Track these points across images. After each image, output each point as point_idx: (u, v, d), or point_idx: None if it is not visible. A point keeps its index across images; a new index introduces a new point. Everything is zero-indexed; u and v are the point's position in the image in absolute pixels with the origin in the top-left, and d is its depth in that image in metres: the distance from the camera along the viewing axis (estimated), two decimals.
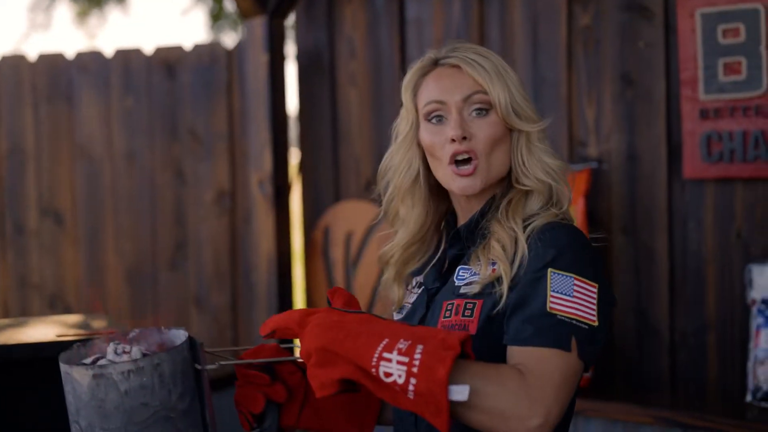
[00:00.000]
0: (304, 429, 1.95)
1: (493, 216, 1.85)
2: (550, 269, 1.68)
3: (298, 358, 1.86)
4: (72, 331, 2.12)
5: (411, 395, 1.52)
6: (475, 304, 1.77)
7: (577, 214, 3.11)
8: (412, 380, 1.51)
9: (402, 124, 1.92)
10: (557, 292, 1.67)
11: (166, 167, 4.00)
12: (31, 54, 4.10)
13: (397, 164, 1.93)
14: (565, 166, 1.86)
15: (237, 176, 3.97)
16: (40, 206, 4.06)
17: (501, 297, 1.72)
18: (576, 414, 3.09)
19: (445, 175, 1.85)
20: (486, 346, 1.73)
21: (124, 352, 1.77)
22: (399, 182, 1.94)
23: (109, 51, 4.05)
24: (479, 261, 1.82)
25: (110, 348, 1.78)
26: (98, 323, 2.29)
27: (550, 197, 1.84)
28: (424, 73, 1.89)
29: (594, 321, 1.66)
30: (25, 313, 4.03)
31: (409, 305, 1.96)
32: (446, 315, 1.80)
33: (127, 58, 4.03)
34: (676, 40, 3.00)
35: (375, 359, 1.52)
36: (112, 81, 4.03)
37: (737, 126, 2.90)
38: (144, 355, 1.78)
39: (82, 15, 11.20)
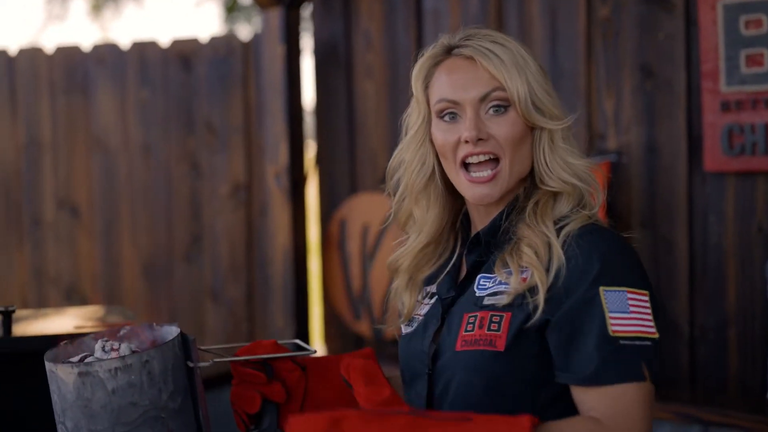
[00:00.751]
0: None
1: (518, 219, 1.71)
2: (601, 288, 1.56)
3: (297, 354, 1.79)
4: (90, 323, 2.11)
5: None
6: (502, 316, 1.63)
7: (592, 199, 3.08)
8: None
9: (413, 117, 1.78)
10: (615, 311, 1.55)
11: (182, 160, 4.00)
12: (48, 46, 4.10)
13: (409, 161, 1.78)
14: (591, 166, 1.73)
15: (253, 169, 3.96)
16: (56, 199, 4.06)
17: (536, 308, 1.60)
18: None
19: (458, 181, 1.72)
20: (514, 363, 1.63)
21: (113, 349, 1.70)
22: (412, 182, 1.79)
23: (125, 44, 4.04)
24: (505, 268, 1.68)
25: (98, 345, 1.71)
26: (115, 315, 2.28)
27: (579, 199, 1.70)
28: (437, 62, 1.75)
29: (654, 333, 1.57)
30: (42, 304, 4.04)
31: (420, 317, 1.81)
32: (468, 329, 1.66)
33: (143, 50, 4.02)
34: (697, 31, 2.96)
35: None
36: (129, 73, 4.02)
37: (759, 118, 2.87)
38: (133, 352, 1.70)
39: (98, 8, 11.22)
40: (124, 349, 1.71)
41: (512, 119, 1.67)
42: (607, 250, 1.59)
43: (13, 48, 4.10)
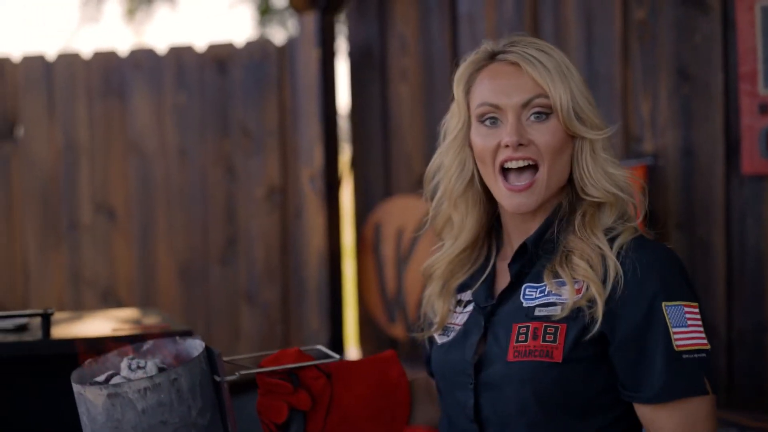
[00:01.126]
0: None
1: (566, 229, 1.71)
2: (663, 303, 1.59)
3: (322, 362, 1.78)
4: (126, 326, 2.13)
5: None
6: (557, 328, 1.64)
7: (631, 210, 3.06)
8: None
9: (452, 121, 1.78)
10: (677, 326, 1.59)
11: (218, 163, 4.02)
12: (85, 51, 4.13)
13: (448, 166, 1.78)
14: (630, 177, 1.74)
15: (288, 172, 3.97)
16: (93, 202, 4.10)
17: (593, 321, 1.61)
18: None
19: (496, 188, 1.72)
20: (570, 374, 1.64)
21: (139, 367, 1.69)
22: (451, 186, 1.79)
23: (161, 48, 4.07)
24: (556, 278, 1.68)
25: (124, 363, 1.71)
26: (150, 318, 2.30)
27: (622, 211, 1.71)
28: (479, 68, 1.74)
29: (707, 344, 1.61)
30: (78, 307, 4.07)
31: (458, 326, 1.80)
32: (520, 339, 1.66)
33: (180, 55, 4.05)
34: (734, 33, 2.94)
35: None
36: (165, 78, 4.05)
37: None
38: (160, 369, 1.70)
39: (132, 12, 11.31)
40: (151, 366, 1.70)
41: (553, 127, 1.67)
42: (664, 265, 1.62)
43: (50, 53, 4.14)
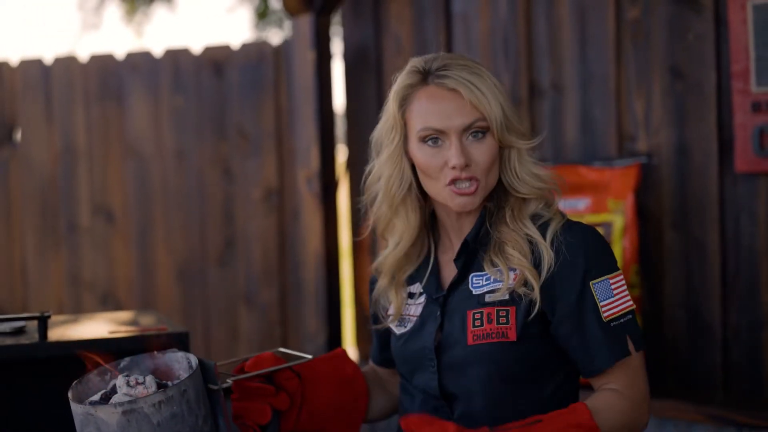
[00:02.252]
0: (301, 431, 1.98)
1: (497, 222, 1.92)
2: (591, 282, 1.82)
3: (297, 363, 1.94)
4: (124, 328, 2.14)
5: None
6: (508, 310, 1.85)
7: (626, 209, 3.08)
8: None
9: (389, 135, 1.94)
10: (604, 299, 1.83)
11: (215, 165, 4.03)
12: (83, 55, 4.15)
13: (388, 176, 1.95)
14: (551, 175, 1.95)
15: (285, 174, 3.99)
16: (92, 205, 4.11)
17: (533, 302, 1.83)
18: None
19: (442, 193, 1.89)
20: (525, 350, 1.85)
21: (138, 383, 1.72)
22: (392, 194, 1.95)
23: (158, 51, 4.09)
24: (494, 267, 1.89)
25: (120, 381, 1.73)
26: (148, 320, 2.31)
27: (546, 199, 1.93)
28: (414, 88, 1.89)
29: (632, 304, 1.84)
30: (77, 309, 4.08)
31: (414, 317, 1.98)
32: (476, 324, 1.86)
33: (176, 57, 4.06)
34: (727, 31, 2.95)
35: None
36: (162, 80, 4.07)
37: None
38: (158, 383, 1.73)
39: (130, 13, 11.32)
40: (150, 380, 1.73)
41: (489, 144, 1.87)
42: (588, 244, 1.85)
43: (48, 57, 4.16)
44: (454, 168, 1.84)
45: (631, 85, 3.19)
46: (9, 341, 2.02)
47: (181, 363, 1.81)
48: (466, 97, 1.83)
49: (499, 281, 1.86)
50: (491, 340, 1.84)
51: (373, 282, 2.14)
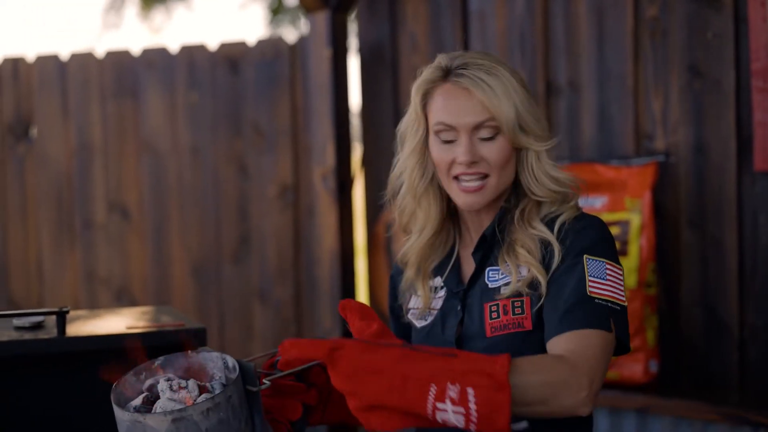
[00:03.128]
0: (325, 423, 2.02)
1: (510, 222, 1.95)
2: (585, 255, 1.82)
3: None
4: (141, 324, 2.14)
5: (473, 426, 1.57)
6: (522, 301, 1.88)
7: (644, 207, 3.07)
8: (473, 426, 1.55)
9: (411, 128, 2.00)
10: (594, 276, 1.81)
11: (230, 162, 4.04)
12: (99, 51, 4.16)
13: (411, 169, 2.00)
14: (571, 179, 1.95)
15: (300, 171, 3.99)
16: (107, 201, 4.12)
17: (541, 297, 1.84)
18: (643, 410, 3.06)
19: (450, 190, 1.95)
20: (541, 338, 1.85)
21: (180, 387, 1.73)
22: (414, 186, 2.01)
23: (174, 47, 4.09)
24: (507, 264, 1.92)
25: (163, 385, 1.74)
26: (165, 316, 2.31)
27: (563, 200, 1.94)
28: (435, 84, 1.94)
29: (624, 302, 1.82)
30: (93, 305, 4.09)
31: (435, 311, 2.02)
32: (493, 317, 1.90)
33: (192, 54, 4.06)
34: (746, 29, 2.94)
35: (430, 409, 1.54)
36: (177, 77, 4.07)
37: None
38: (200, 386, 1.75)
39: (147, 10, 11.34)
40: (192, 385, 1.74)
41: (501, 144, 1.89)
42: (593, 230, 1.87)
43: (64, 53, 4.16)
44: (461, 164, 1.89)
45: (649, 84, 3.18)
46: (28, 336, 2.03)
47: (215, 362, 1.82)
48: (477, 96, 1.88)
49: (509, 276, 1.91)
50: (508, 331, 1.88)
51: (393, 276, 2.17)
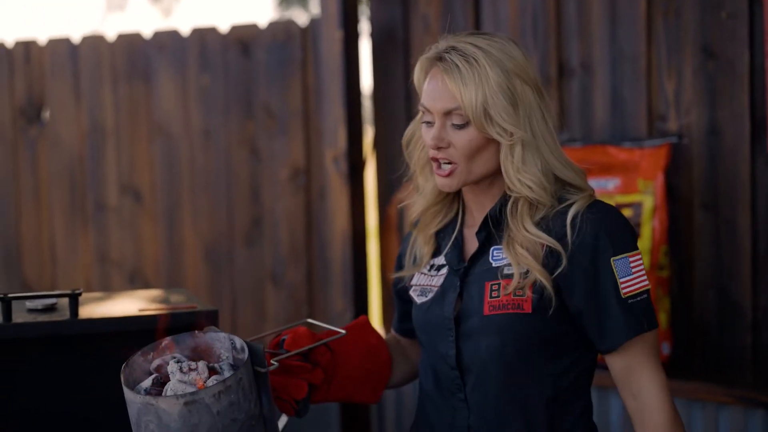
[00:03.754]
0: (330, 400, 2.07)
1: (508, 215, 1.94)
2: (612, 258, 1.85)
3: (333, 338, 2.01)
4: (154, 306, 2.15)
5: None
6: (525, 283, 1.88)
7: (656, 189, 3.06)
8: None
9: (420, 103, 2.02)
10: (623, 276, 1.86)
11: (242, 145, 4.04)
12: (110, 34, 4.16)
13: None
14: (543, 180, 1.90)
15: (312, 153, 3.98)
16: (119, 184, 4.13)
17: (550, 299, 1.86)
18: None
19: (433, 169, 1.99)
20: (541, 322, 1.88)
21: (191, 369, 1.75)
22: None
23: (185, 30, 4.09)
24: (510, 252, 1.92)
25: (173, 367, 1.76)
26: (177, 298, 2.32)
27: (574, 184, 1.93)
28: (430, 61, 1.95)
29: (648, 284, 1.88)
30: (105, 288, 4.11)
31: (435, 288, 2.02)
32: (492, 295, 1.91)
33: (203, 36, 4.06)
34: (762, 9, 2.92)
35: None
36: (189, 60, 4.07)
37: None
38: (210, 368, 1.77)
39: None
40: (202, 367, 1.76)
41: (470, 134, 1.89)
42: (610, 222, 1.87)
43: (75, 36, 4.17)
44: (429, 147, 1.93)
45: (661, 65, 3.16)
46: (41, 318, 2.04)
47: (222, 343, 1.84)
48: (447, 83, 1.89)
49: (523, 274, 1.91)
50: (506, 311, 1.89)
51: (400, 256, 2.22)
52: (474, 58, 1.88)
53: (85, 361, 2.05)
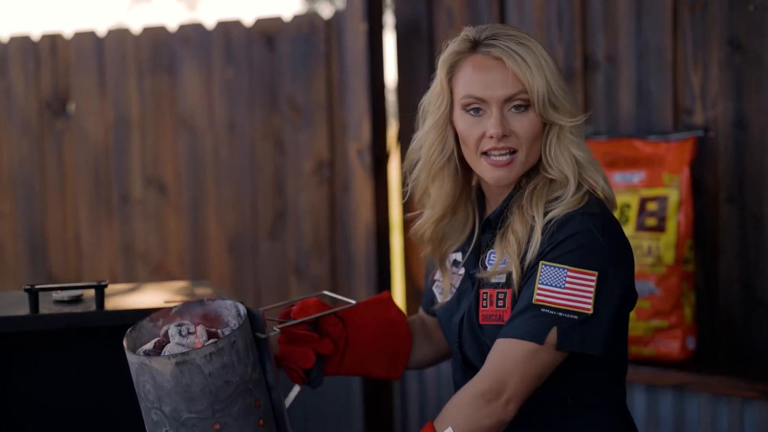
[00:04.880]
0: (344, 374, 2.06)
1: (517, 202, 1.89)
2: (541, 262, 1.77)
3: (340, 308, 2.00)
4: (179, 297, 2.16)
5: None
6: (506, 293, 1.86)
7: (682, 183, 3.04)
8: None
9: (435, 102, 1.94)
10: (546, 284, 1.76)
11: (266, 137, 4.04)
12: (135, 27, 4.17)
13: (431, 143, 1.96)
14: (593, 160, 1.90)
15: (336, 146, 3.98)
16: (144, 176, 4.14)
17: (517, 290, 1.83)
18: (680, 387, 3.05)
19: (478, 166, 1.90)
20: None
21: (189, 332, 1.79)
22: (431, 162, 1.96)
23: (210, 23, 4.10)
24: (501, 241, 1.89)
25: (173, 330, 1.80)
26: (202, 290, 2.33)
27: (576, 187, 1.86)
28: (463, 56, 1.90)
29: (588, 309, 1.75)
30: (130, 280, 4.13)
31: (454, 288, 2.03)
32: (483, 305, 1.90)
33: (228, 29, 4.07)
34: None
35: None
36: (214, 52, 4.08)
37: None
38: (209, 332, 1.81)
39: None
40: (201, 331, 1.79)
41: (532, 118, 1.85)
42: (569, 232, 1.78)
43: (101, 29, 4.18)
44: (491, 138, 1.85)
45: (688, 57, 3.14)
46: (66, 309, 2.05)
47: (229, 310, 1.89)
48: (509, 67, 1.83)
49: (502, 264, 1.88)
50: (491, 322, 1.88)
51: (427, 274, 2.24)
52: (527, 42, 1.85)
53: (110, 352, 2.06)
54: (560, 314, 1.75)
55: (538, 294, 1.76)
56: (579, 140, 1.89)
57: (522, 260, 1.83)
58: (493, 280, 1.88)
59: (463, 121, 1.89)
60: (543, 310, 1.76)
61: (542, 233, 1.81)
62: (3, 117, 4.24)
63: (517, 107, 1.84)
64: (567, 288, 1.75)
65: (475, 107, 1.87)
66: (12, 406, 2.24)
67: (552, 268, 1.77)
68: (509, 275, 1.85)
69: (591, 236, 1.79)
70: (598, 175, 1.90)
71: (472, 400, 1.76)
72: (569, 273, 1.76)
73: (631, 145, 3.15)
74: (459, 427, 1.74)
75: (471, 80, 1.87)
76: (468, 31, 1.92)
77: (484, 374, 1.78)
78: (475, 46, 1.89)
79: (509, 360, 1.76)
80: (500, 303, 1.85)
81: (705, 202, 3.10)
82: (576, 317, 1.75)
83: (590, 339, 1.76)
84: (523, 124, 1.84)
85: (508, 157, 1.85)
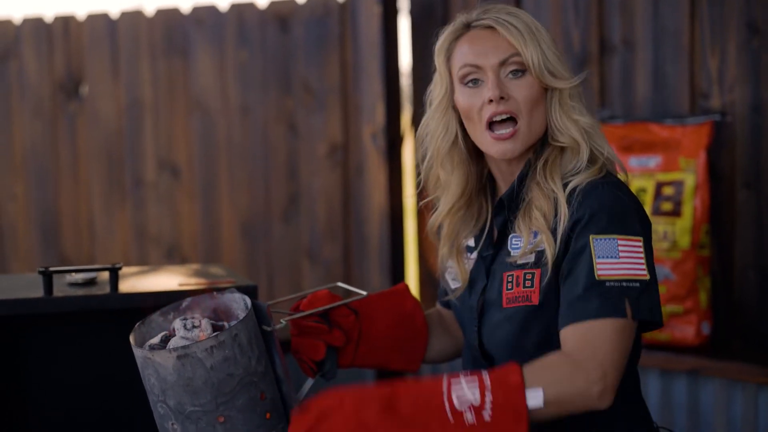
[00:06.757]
0: (359, 366, 2.05)
1: (532, 179, 1.88)
2: (591, 236, 1.74)
3: (351, 299, 2.00)
4: (193, 281, 2.15)
5: (488, 414, 1.61)
6: (534, 273, 1.84)
7: (698, 167, 3.02)
8: (488, 396, 1.61)
9: (436, 90, 1.97)
10: (603, 257, 1.73)
11: (280, 120, 4.03)
12: (148, 9, 4.16)
13: (434, 129, 1.97)
14: (596, 123, 1.90)
15: (349, 129, 3.97)
16: (157, 159, 4.14)
17: (548, 266, 1.80)
18: (694, 373, 3.04)
19: (483, 140, 1.90)
20: (550, 313, 1.82)
21: (194, 326, 1.80)
22: (437, 147, 1.97)
23: (223, 5, 4.08)
24: (525, 219, 1.87)
25: (178, 324, 1.81)
26: (216, 273, 2.33)
27: (589, 155, 1.86)
28: (457, 37, 1.92)
29: (645, 275, 1.73)
30: (143, 263, 4.13)
31: (467, 274, 2.01)
32: (508, 287, 1.88)
33: (241, 12, 4.05)
34: None
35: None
36: (227, 35, 4.06)
37: None
38: (214, 326, 1.82)
39: None
40: (206, 324, 1.80)
41: (529, 82, 1.86)
42: (602, 201, 1.77)
43: (114, 11, 4.17)
44: (491, 102, 1.85)
45: (705, 41, 3.11)
46: (81, 292, 2.05)
47: (238, 303, 1.89)
48: (501, 33, 1.86)
49: (530, 244, 1.86)
50: (518, 304, 1.86)
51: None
52: (517, 14, 1.89)
53: (125, 335, 2.06)
54: (624, 284, 1.72)
55: (599, 269, 1.72)
56: (580, 106, 1.90)
57: (553, 233, 1.81)
58: (520, 262, 1.86)
59: (463, 96, 1.90)
60: (608, 284, 1.71)
61: (568, 203, 1.79)
62: (16, 99, 4.24)
63: (514, 72, 1.86)
64: (622, 257, 1.73)
65: (473, 78, 1.88)
66: (26, 389, 2.24)
67: (603, 240, 1.74)
68: (538, 255, 1.83)
69: (624, 204, 1.79)
70: (603, 142, 1.90)
71: (573, 378, 1.68)
72: (620, 242, 1.74)
73: (647, 129, 3.13)
74: (547, 395, 1.66)
75: (466, 53, 1.89)
76: (459, 17, 1.95)
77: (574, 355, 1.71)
78: (467, 25, 1.92)
79: (599, 341, 1.69)
80: (528, 283, 1.83)
81: (721, 187, 3.08)
82: (638, 285, 1.73)
83: (654, 306, 1.75)
84: (521, 88, 1.85)
85: (510, 129, 1.85)
